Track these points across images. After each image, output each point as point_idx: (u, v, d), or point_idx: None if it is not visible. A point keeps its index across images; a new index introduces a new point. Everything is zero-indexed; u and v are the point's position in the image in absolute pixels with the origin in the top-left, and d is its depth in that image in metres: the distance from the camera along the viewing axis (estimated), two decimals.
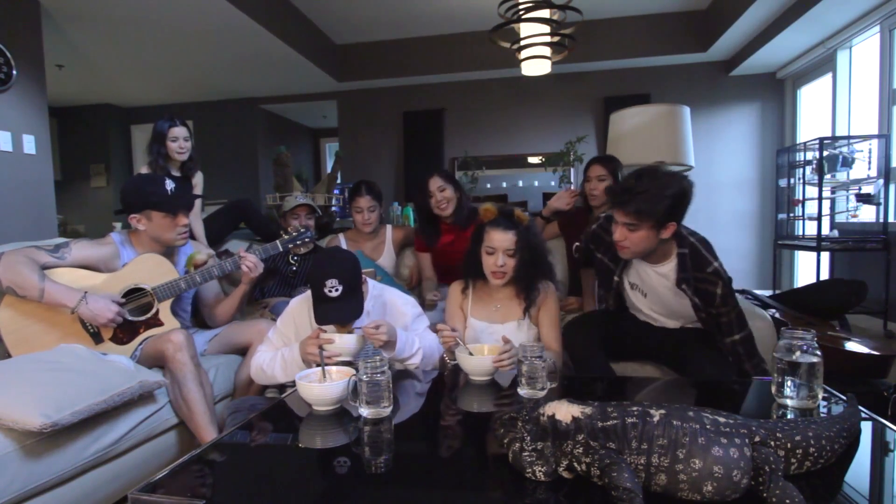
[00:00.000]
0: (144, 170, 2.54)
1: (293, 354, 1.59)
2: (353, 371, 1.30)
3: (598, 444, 0.82)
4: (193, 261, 2.05)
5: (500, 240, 1.68)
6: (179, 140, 2.57)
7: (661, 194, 1.47)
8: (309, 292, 1.71)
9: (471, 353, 1.49)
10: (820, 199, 3.82)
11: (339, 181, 5.17)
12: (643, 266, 1.70)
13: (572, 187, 2.67)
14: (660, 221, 1.50)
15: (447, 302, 1.88)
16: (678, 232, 1.60)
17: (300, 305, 1.78)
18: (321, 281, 1.49)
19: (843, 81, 4.45)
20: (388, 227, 2.74)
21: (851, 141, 3.95)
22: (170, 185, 1.89)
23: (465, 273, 1.83)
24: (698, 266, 1.58)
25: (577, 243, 2.02)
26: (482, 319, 1.79)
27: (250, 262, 1.96)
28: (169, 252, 1.96)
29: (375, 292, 1.74)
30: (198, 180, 2.75)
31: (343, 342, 1.48)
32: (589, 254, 1.93)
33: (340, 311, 1.51)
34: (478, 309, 1.81)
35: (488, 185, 6.02)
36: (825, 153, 3.87)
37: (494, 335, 1.73)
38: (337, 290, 1.48)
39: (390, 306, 1.74)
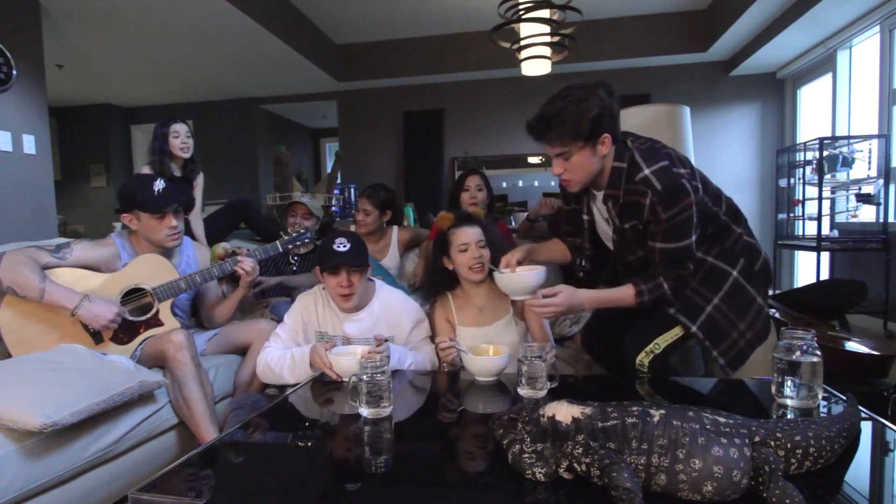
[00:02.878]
0: (146, 170, 2.54)
1: (304, 357, 1.61)
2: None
3: (598, 444, 0.82)
4: (216, 254, 2.11)
5: (470, 234, 1.71)
6: (181, 136, 2.57)
7: (578, 111, 1.31)
8: (315, 288, 1.83)
9: (474, 354, 1.49)
10: (820, 199, 3.82)
11: (339, 181, 5.17)
12: (598, 195, 1.53)
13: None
14: (589, 138, 1.34)
15: (433, 320, 1.87)
16: (621, 146, 1.42)
17: (308, 299, 1.82)
18: (332, 240, 1.67)
19: (843, 81, 4.45)
20: (395, 229, 2.73)
21: (851, 141, 3.95)
22: (159, 185, 1.88)
23: (435, 288, 1.84)
24: (630, 176, 1.37)
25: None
26: (470, 325, 1.78)
27: (247, 265, 1.96)
28: (169, 252, 1.96)
29: (382, 293, 1.81)
30: (199, 182, 2.76)
31: (344, 365, 1.50)
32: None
33: (347, 257, 1.65)
34: (462, 316, 1.80)
35: None
36: (825, 153, 3.87)
37: (486, 338, 1.73)
38: (345, 245, 1.65)
39: (394, 311, 1.78)
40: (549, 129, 1.35)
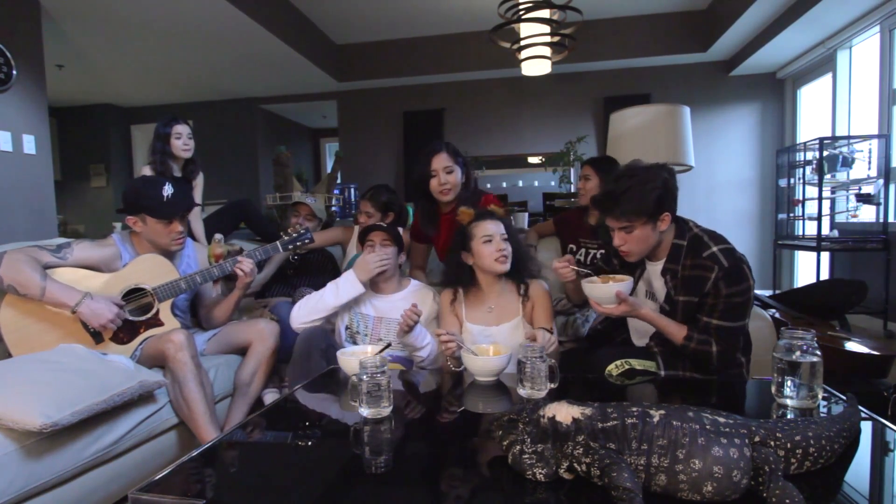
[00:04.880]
0: (147, 170, 2.54)
1: (349, 277, 1.84)
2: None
3: (599, 444, 0.82)
4: (213, 253, 2.11)
5: (493, 226, 1.73)
6: (184, 137, 2.57)
7: (644, 188, 1.44)
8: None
9: (475, 354, 1.49)
10: (820, 199, 3.83)
11: (339, 181, 5.18)
12: (649, 266, 1.65)
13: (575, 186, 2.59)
14: (652, 215, 1.47)
15: (440, 313, 1.89)
16: (682, 226, 1.56)
17: None
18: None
19: (843, 81, 4.45)
20: (398, 231, 2.71)
21: (851, 141, 3.95)
22: (167, 190, 1.88)
23: (452, 281, 1.84)
24: (696, 252, 1.50)
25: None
26: (477, 323, 1.79)
27: (245, 266, 1.95)
28: (169, 253, 1.96)
29: (416, 284, 2.02)
30: (198, 182, 2.76)
31: (352, 365, 1.50)
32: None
33: (379, 227, 1.90)
34: (471, 313, 1.81)
35: (488, 185, 6.03)
36: (825, 153, 3.87)
37: (491, 338, 1.74)
38: (380, 224, 1.93)
39: (425, 300, 1.93)
40: (616, 205, 1.47)
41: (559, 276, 1.68)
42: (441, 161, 2.09)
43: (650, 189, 1.44)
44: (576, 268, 1.60)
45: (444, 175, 2.08)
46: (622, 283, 1.50)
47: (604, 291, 1.50)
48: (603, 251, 1.87)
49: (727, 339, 1.47)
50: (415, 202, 2.25)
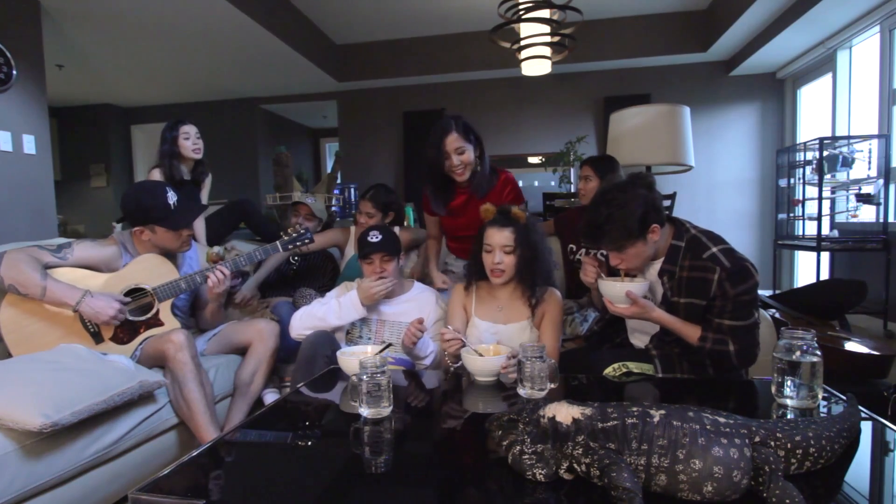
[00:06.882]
0: (156, 173, 2.52)
1: (352, 300, 1.84)
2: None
3: (599, 444, 0.82)
4: (210, 257, 2.12)
5: (497, 237, 1.71)
6: (192, 136, 2.57)
7: (625, 212, 1.44)
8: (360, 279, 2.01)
9: (480, 354, 1.49)
10: (820, 199, 3.82)
11: (338, 181, 5.17)
12: (648, 269, 1.64)
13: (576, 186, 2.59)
14: (640, 235, 1.46)
15: (450, 302, 1.89)
16: (679, 227, 1.56)
17: (353, 286, 1.99)
18: (367, 234, 1.88)
19: (843, 81, 4.45)
20: (396, 230, 2.72)
21: (851, 141, 3.95)
22: (172, 198, 1.87)
23: (469, 273, 1.86)
24: (695, 254, 1.49)
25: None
26: (486, 319, 1.79)
27: (218, 275, 1.89)
28: (171, 253, 1.96)
29: (419, 286, 2.04)
30: (206, 183, 2.76)
31: (352, 365, 1.51)
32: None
33: (378, 246, 1.85)
34: (481, 309, 1.81)
35: None
36: (825, 153, 3.87)
37: (498, 335, 1.74)
38: (377, 237, 1.86)
39: (428, 303, 1.96)
40: (602, 234, 1.47)
41: (584, 274, 1.66)
42: (452, 143, 2.01)
43: (631, 212, 1.43)
44: (601, 271, 1.59)
45: (456, 157, 2.02)
46: (635, 285, 1.51)
47: (617, 291, 1.51)
48: (604, 252, 1.86)
49: (743, 337, 1.46)
50: (427, 181, 2.18)
